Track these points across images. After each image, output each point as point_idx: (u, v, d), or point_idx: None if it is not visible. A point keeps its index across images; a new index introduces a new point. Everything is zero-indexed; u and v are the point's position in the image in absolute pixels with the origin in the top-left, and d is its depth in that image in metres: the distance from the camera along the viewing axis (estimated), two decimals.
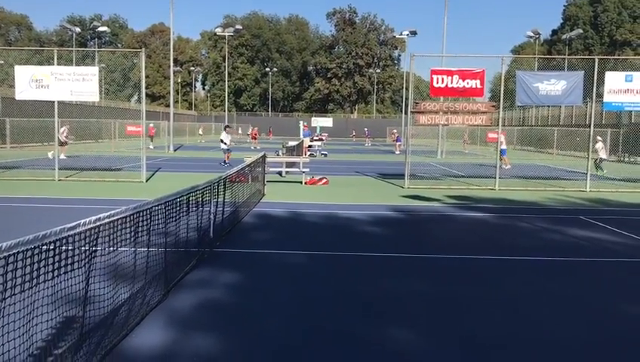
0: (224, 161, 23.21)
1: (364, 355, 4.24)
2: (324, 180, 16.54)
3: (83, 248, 3.56)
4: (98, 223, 3.73)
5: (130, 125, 34.27)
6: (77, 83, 15.29)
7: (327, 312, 5.23)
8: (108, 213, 3.92)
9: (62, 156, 23.80)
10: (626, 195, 15.07)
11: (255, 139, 44.15)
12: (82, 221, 3.51)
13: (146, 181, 16.03)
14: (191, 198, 6.41)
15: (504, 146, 24.63)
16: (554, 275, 6.77)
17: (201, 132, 61.11)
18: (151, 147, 35.58)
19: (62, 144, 25.16)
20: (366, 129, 61.84)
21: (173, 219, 5.75)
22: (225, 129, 24.84)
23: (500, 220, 10.84)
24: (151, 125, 38.66)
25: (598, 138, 21.99)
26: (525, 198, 13.97)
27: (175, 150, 34.37)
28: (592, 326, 5.03)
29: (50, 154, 23.50)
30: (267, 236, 8.79)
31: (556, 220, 10.79)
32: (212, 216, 7.44)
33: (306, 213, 11.03)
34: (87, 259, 3.63)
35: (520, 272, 6.92)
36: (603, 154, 21.67)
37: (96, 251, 3.75)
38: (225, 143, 23.53)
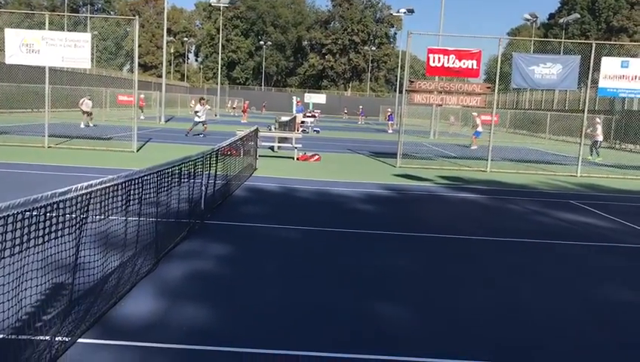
0: (202, 133, 23.19)
1: (350, 330, 4.26)
2: (316, 157, 16.50)
3: (74, 214, 3.52)
4: (90, 189, 3.68)
5: (121, 95, 33.90)
6: (68, 49, 15.01)
7: (314, 286, 5.25)
8: (99, 180, 3.87)
9: (82, 125, 24.19)
10: (617, 181, 15.18)
11: (245, 112, 44.05)
12: (74, 186, 3.46)
13: (137, 151, 15.92)
14: (183, 169, 6.37)
15: (480, 129, 25.09)
16: (541, 257, 6.83)
17: (192, 104, 60.48)
18: (141, 117, 35.33)
19: (88, 113, 25.43)
20: (361, 107, 61.30)
21: (165, 189, 5.71)
22: (200, 101, 24.26)
23: (489, 201, 10.90)
24: (141, 96, 38.29)
25: (597, 120, 21.94)
26: (516, 181, 14.04)
27: (166, 121, 34.10)
28: (576, 308, 5.08)
29: (82, 124, 24.21)
30: (258, 210, 8.78)
31: (546, 203, 10.86)
32: (203, 188, 7.41)
33: (298, 188, 11.01)
34: (77, 226, 3.59)
35: (507, 253, 6.98)
36: (600, 137, 21.70)
37: (87, 218, 3.71)
38: (199, 116, 23.39)
